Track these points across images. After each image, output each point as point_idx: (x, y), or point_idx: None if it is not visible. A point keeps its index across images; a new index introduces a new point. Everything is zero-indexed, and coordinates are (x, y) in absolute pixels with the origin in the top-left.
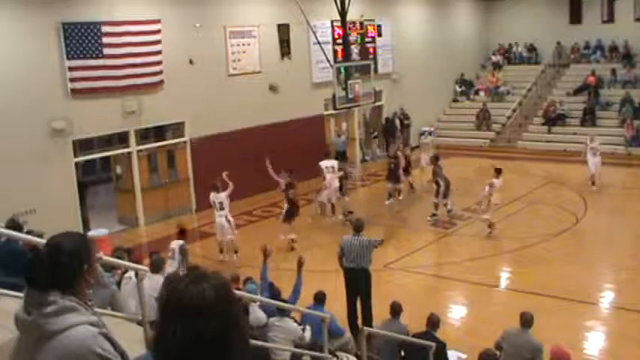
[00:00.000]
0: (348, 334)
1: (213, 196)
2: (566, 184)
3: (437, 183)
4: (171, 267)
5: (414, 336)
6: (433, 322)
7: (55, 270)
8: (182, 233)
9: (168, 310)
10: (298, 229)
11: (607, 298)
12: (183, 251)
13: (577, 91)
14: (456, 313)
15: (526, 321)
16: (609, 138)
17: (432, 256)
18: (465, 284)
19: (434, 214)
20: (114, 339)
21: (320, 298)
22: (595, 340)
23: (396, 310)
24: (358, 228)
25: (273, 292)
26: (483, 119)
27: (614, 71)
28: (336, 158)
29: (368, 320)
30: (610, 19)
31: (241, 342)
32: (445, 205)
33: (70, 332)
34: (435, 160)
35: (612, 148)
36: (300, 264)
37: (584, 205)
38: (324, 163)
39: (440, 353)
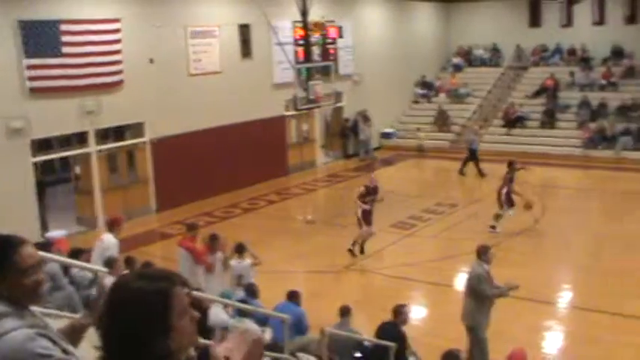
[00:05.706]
0: (310, 335)
1: None
2: (525, 186)
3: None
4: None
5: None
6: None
7: None
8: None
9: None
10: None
11: (564, 298)
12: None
13: (536, 94)
14: (415, 313)
15: None
16: (567, 140)
17: (392, 257)
18: (425, 285)
19: (493, 226)
20: (54, 337)
21: (292, 296)
22: (552, 340)
23: (344, 312)
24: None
25: (251, 292)
26: (441, 120)
27: (572, 74)
28: (471, 153)
29: None
30: (569, 23)
31: (156, 346)
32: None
33: (6, 338)
34: (510, 165)
35: (569, 150)
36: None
37: (541, 206)
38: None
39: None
